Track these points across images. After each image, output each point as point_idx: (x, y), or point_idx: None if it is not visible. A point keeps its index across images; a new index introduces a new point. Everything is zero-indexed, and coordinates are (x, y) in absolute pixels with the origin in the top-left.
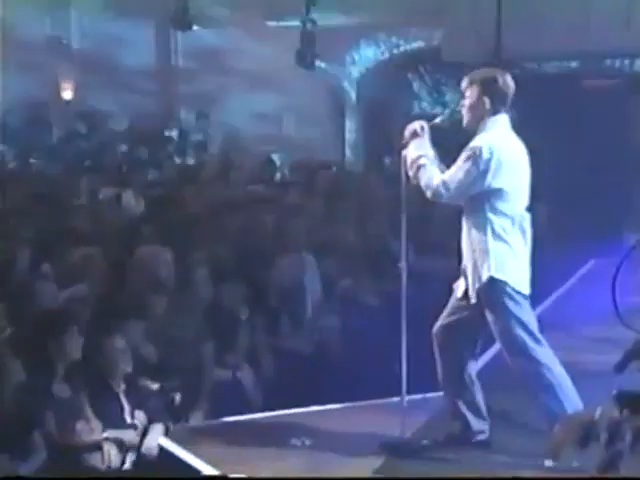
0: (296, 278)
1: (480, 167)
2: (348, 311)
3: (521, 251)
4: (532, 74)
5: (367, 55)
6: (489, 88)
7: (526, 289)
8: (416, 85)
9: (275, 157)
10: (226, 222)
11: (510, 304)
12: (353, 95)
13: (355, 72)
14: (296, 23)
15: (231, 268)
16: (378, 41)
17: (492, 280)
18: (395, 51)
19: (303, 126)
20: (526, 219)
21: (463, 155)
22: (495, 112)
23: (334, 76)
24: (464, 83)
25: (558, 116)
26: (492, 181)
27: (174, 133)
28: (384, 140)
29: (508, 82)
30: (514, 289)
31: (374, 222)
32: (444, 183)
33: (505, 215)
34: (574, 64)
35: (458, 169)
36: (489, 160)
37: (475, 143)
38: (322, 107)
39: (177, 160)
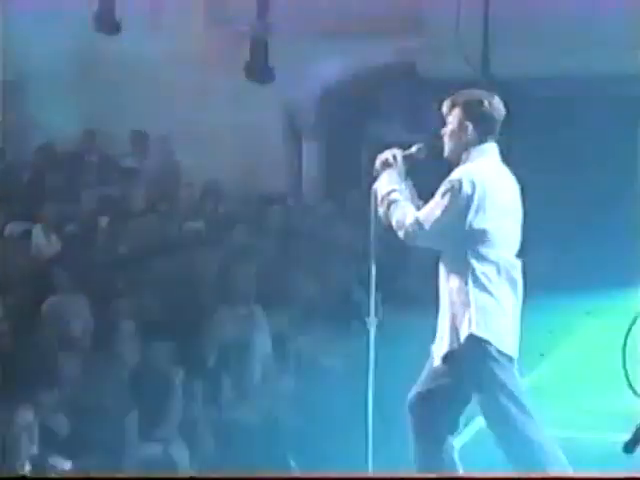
0: (241, 334)
1: (460, 204)
2: (304, 374)
3: (508, 305)
4: (525, 97)
5: (331, 68)
6: (473, 112)
7: (513, 350)
8: (389, 106)
9: (219, 187)
10: (157, 266)
11: (494, 368)
12: (313, 115)
13: (316, 88)
14: (246, 28)
15: (163, 321)
16: (344, 51)
17: (472, 339)
18: (364, 64)
19: (253, 151)
20: (516, 267)
21: (441, 189)
22: (481, 140)
23: (291, 92)
24: (445, 106)
25: (556, 145)
26: (474, 221)
27: (94, 157)
28: (350, 170)
29: (496, 105)
30: (498, 350)
31: (337, 268)
32: (418, 222)
33: (490, 262)
34: (574, 86)
35: (435, 206)
36: (471, 196)
37: (455, 175)
38: (276, 129)
39: (98, 190)
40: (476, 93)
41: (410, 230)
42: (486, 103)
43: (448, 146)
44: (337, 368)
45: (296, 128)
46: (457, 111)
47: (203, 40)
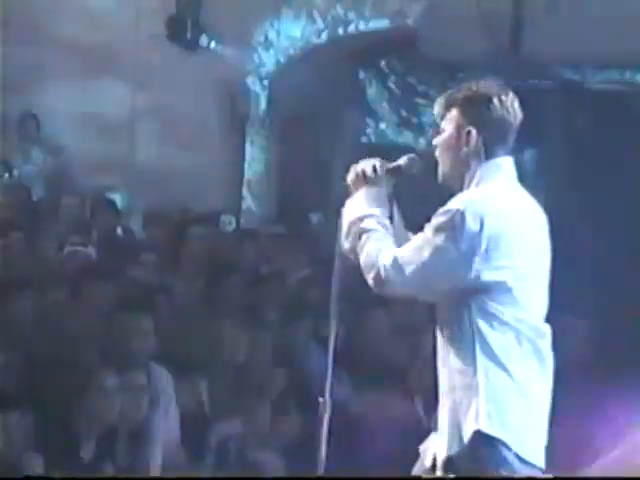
0: (135, 412)
1: (461, 245)
2: (228, 470)
3: (534, 390)
4: (564, 89)
5: (291, 34)
6: (478, 114)
7: (539, 457)
8: (372, 91)
9: (117, 198)
10: (19, 304)
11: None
12: (262, 100)
13: (269, 61)
14: None
15: (18, 389)
16: (311, 12)
17: (480, 438)
18: (340, 31)
19: (172, 147)
20: (544, 335)
21: (433, 222)
22: (490, 154)
23: (231, 65)
24: (438, 106)
25: (603, 158)
26: (483, 270)
27: None
28: (312, 182)
29: (510, 104)
30: (518, 456)
31: (282, 322)
32: (395, 261)
33: (507, 326)
34: (626, 76)
35: (423, 244)
36: (477, 234)
37: (455, 204)
38: (207, 117)
39: None
40: (483, 86)
41: (383, 273)
42: (496, 101)
43: (442, 161)
44: (273, 465)
45: (236, 117)
46: (455, 112)
47: None
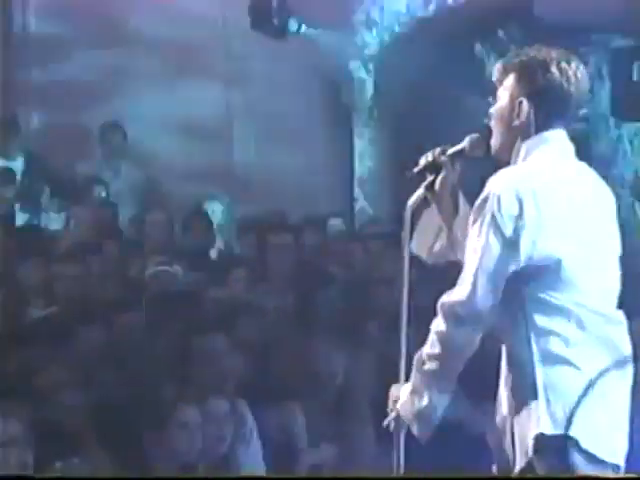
0: (216, 445)
1: (504, 232)
2: None
3: (603, 379)
4: None
5: (395, 9)
6: (532, 84)
7: (616, 455)
8: (492, 66)
9: (214, 207)
10: (92, 337)
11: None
12: (368, 86)
13: (373, 42)
14: None
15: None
16: None
17: (545, 442)
18: (449, 1)
19: (272, 147)
20: (615, 321)
21: (472, 216)
22: (541, 127)
23: (330, 52)
24: (496, 72)
25: None
26: (531, 254)
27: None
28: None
29: (572, 72)
30: (590, 453)
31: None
32: (453, 305)
33: (565, 312)
34: None
35: (470, 250)
36: (519, 216)
37: (491, 188)
38: (308, 110)
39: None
40: (543, 52)
41: (451, 313)
42: (554, 68)
43: (494, 133)
44: None
45: (341, 109)
46: (510, 80)
47: None
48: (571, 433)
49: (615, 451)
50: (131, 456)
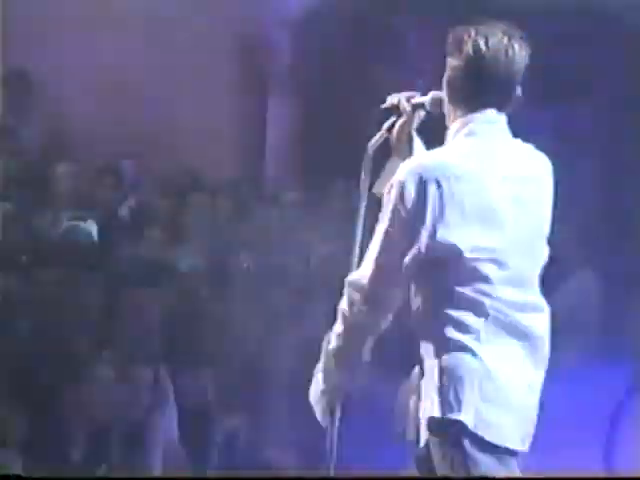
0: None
1: (403, 219)
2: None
3: (505, 366)
4: None
5: None
6: (458, 58)
7: (512, 440)
8: (414, 41)
9: (127, 165)
10: (5, 288)
11: (470, 465)
12: (286, 53)
13: (293, 8)
14: None
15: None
16: None
17: (436, 423)
18: None
19: (186, 109)
20: (529, 308)
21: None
22: (474, 104)
23: (249, 15)
24: (448, 44)
25: None
26: (432, 241)
27: None
28: (343, 143)
29: (495, 47)
30: (479, 437)
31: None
32: (350, 285)
33: (470, 302)
34: None
35: (375, 238)
36: (419, 204)
37: (398, 174)
38: (224, 74)
39: None
40: (471, 27)
41: (347, 306)
42: (481, 44)
43: (445, 108)
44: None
45: (257, 74)
46: (449, 57)
47: None
48: (460, 417)
49: (509, 436)
50: (45, 408)
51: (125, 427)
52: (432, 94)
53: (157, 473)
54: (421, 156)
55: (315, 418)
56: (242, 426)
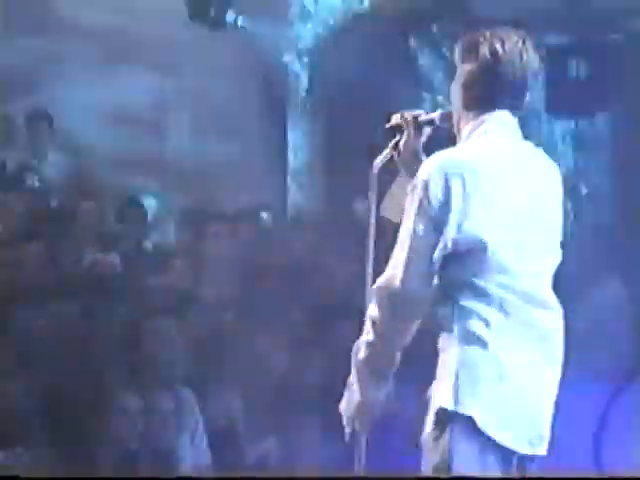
0: (160, 436)
1: (429, 215)
2: None
3: (518, 362)
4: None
5: (330, 4)
6: (477, 65)
7: (521, 443)
8: (425, 60)
9: (148, 198)
10: (34, 322)
11: (470, 457)
12: (303, 79)
13: (307, 36)
14: None
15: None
16: None
17: (445, 415)
18: None
19: (206, 139)
20: (542, 304)
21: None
22: (485, 107)
23: (265, 44)
24: (455, 53)
25: None
26: (457, 235)
27: None
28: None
29: (509, 51)
30: (487, 436)
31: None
32: (380, 289)
33: (486, 294)
34: None
35: (401, 239)
36: (446, 200)
37: (422, 171)
38: (243, 102)
39: None
40: (488, 34)
41: (378, 312)
42: (498, 47)
43: (453, 112)
44: None
45: (276, 100)
46: (458, 62)
47: None
48: (470, 412)
49: (518, 438)
50: (74, 442)
51: (154, 456)
52: (440, 111)
53: None
54: (441, 154)
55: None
56: (273, 447)
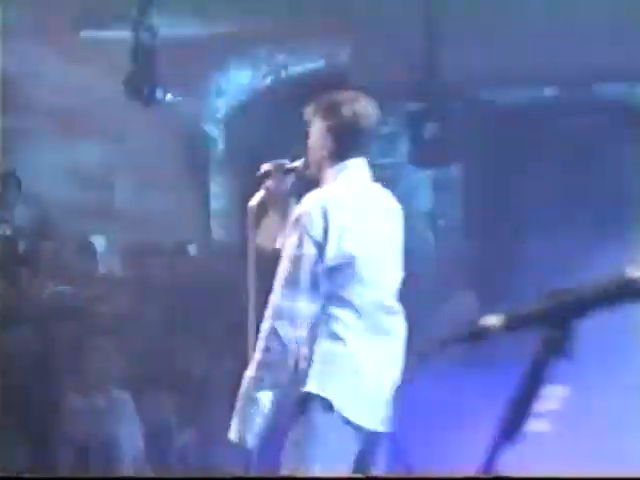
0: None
1: (314, 239)
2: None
3: (367, 358)
4: (485, 106)
5: (240, 81)
6: (333, 122)
7: (369, 420)
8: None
9: (99, 240)
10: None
11: (320, 426)
12: (220, 142)
13: (222, 107)
14: (125, 33)
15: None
16: (256, 60)
17: (309, 398)
18: (283, 74)
19: (145, 191)
20: (390, 312)
21: (287, 232)
22: (342, 156)
23: (189, 114)
24: (306, 114)
25: (525, 167)
26: (335, 252)
27: None
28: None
29: (361, 110)
30: (341, 415)
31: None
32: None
33: (347, 301)
34: (547, 92)
35: (289, 261)
36: (325, 228)
37: (301, 207)
38: (173, 160)
39: None
40: (338, 96)
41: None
42: (346, 108)
43: (311, 163)
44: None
45: (200, 159)
46: (317, 120)
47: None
48: (327, 395)
49: (366, 415)
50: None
51: (100, 443)
52: (302, 159)
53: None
54: (318, 192)
55: None
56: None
